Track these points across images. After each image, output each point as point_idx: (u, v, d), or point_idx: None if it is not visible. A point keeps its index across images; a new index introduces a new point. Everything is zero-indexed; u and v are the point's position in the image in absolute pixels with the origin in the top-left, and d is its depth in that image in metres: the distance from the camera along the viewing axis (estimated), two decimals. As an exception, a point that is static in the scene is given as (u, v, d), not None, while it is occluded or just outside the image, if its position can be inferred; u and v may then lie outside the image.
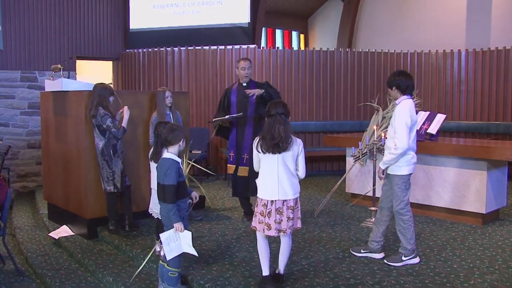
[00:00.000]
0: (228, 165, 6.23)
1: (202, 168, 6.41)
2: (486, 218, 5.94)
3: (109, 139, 5.65)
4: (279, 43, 16.75)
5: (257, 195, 4.18)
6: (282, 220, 4.07)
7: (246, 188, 6.07)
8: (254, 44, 10.31)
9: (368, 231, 5.35)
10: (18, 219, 7.51)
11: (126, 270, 4.93)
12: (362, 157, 6.10)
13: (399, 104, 4.61)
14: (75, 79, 8.85)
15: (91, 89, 5.76)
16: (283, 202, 4.07)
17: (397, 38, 12.45)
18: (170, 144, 4.13)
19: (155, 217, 4.96)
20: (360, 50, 10.11)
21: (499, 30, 10.46)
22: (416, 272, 4.44)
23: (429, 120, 6.42)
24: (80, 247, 5.69)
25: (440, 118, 6.43)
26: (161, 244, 4.15)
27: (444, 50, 9.88)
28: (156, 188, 4.39)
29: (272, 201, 4.08)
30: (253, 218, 4.21)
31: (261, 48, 9.97)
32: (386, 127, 5.72)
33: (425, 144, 6.16)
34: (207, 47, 9.70)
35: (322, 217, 6.36)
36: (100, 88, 5.70)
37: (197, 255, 4.20)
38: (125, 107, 5.75)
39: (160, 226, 4.45)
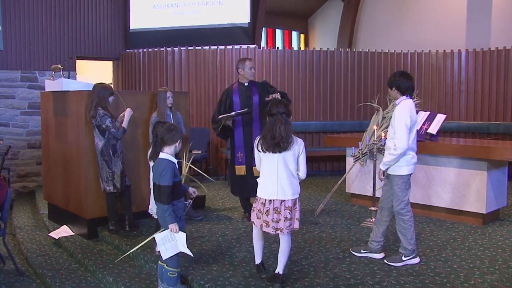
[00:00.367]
0: (237, 166, 6.14)
1: (200, 172, 6.47)
2: (486, 218, 5.94)
3: (109, 139, 5.65)
4: (279, 43, 16.76)
5: (257, 194, 4.20)
6: (279, 219, 4.08)
7: (245, 188, 6.07)
8: (254, 44, 10.32)
9: (368, 231, 5.35)
10: (18, 219, 7.51)
11: (126, 270, 4.94)
12: (362, 157, 6.09)
13: (399, 105, 4.61)
14: (75, 79, 8.86)
15: (91, 89, 5.76)
16: (281, 202, 4.08)
17: (397, 38, 12.45)
18: (166, 144, 4.13)
19: (155, 217, 4.97)
20: (360, 50, 10.11)
21: (499, 30, 10.46)
22: (416, 272, 4.44)
23: (429, 120, 6.42)
24: (80, 247, 5.69)
25: (440, 118, 6.43)
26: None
27: (444, 50, 9.88)
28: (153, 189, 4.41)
29: (270, 200, 4.09)
30: (251, 213, 4.25)
31: (261, 48, 9.98)
32: (386, 127, 5.72)
33: (425, 144, 6.16)
34: (207, 47, 9.70)
35: (322, 217, 6.36)
36: (99, 88, 5.69)
37: (192, 255, 4.21)
38: (128, 109, 5.75)
39: (159, 226, 4.45)
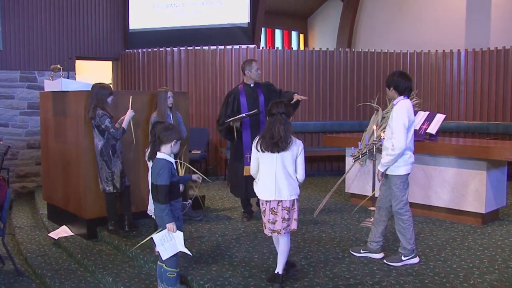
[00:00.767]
0: (246, 167, 6.11)
1: (198, 173, 6.48)
2: (486, 218, 5.94)
3: (108, 139, 5.65)
4: (278, 43, 16.76)
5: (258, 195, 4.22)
6: (276, 220, 4.10)
7: (246, 189, 6.07)
8: (253, 44, 10.32)
9: (368, 231, 5.35)
10: (18, 219, 7.51)
11: (125, 270, 4.93)
12: (361, 157, 6.09)
13: (396, 105, 4.61)
14: (75, 79, 8.85)
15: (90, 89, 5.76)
16: (278, 203, 4.09)
17: (397, 38, 12.45)
18: (162, 142, 4.14)
19: (154, 217, 4.97)
20: (360, 50, 10.11)
21: (499, 30, 10.46)
22: (415, 272, 4.44)
23: (429, 120, 6.42)
24: (79, 247, 5.69)
25: (439, 118, 6.44)
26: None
27: (443, 50, 9.88)
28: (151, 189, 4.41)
29: (267, 200, 4.11)
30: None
31: (261, 48, 9.98)
32: (386, 127, 5.71)
33: (425, 144, 6.17)
34: (206, 47, 9.70)
35: (322, 217, 6.36)
36: (98, 88, 5.69)
37: (191, 254, 4.21)
38: (130, 110, 5.75)
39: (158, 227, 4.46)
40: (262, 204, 4.16)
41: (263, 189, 4.13)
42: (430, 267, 4.54)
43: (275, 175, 4.08)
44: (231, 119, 5.98)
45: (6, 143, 9.03)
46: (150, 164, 4.85)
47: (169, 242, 4.09)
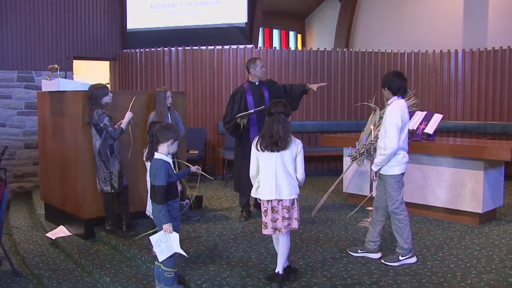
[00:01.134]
0: None
1: (205, 174, 6.49)
2: (483, 217, 5.95)
3: (106, 139, 5.64)
4: (276, 43, 16.76)
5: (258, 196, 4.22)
6: (277, 219, 4.11)
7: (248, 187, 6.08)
8: (251, 44, 10.32)
9: (365, 231, 5.35)
10: (15, 219, 7.50)
11: (123, 271, 4.93)
12: (359, 157, 6.09)
13: (390, 105, 4.62)
14: (72, 79, 8.84)
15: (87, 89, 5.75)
16: (278, 202, 4.11)
17: (394, 38, 12.45)
18: (159, 142, 4.14)
19: (152, 217, 4.97)
20: (357, 50, 10.12)
21: (496, 30, 10.47)
22: (413, 271, 4.45)
23: (426, 120, 6.43)
24: (77, 248, 5.68)
25: (437, 118, 6.44)
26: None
27: (441, 50, 9.89)
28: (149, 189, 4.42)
29: (268, 200, 4.13)
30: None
31: (258, 48, 9.99)
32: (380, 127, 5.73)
33: (422, 144, 6.18)
34: (204, 47, 9.69)
35: (319, 217, 6.36)
36: (93, 89, 5.67)
37: (186, 255, 4.20)
38: (129, 112, 5.75)
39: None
40: (263, 204, 4.16)
41: (264, 189, 4.14)
42: (427, 267, 4.55)
43: (275, 174, 4.09)
44: (239, 115, 6.03)
45: (3, 143, 9.02)
46: (148, 164, 4.86)
47: (165, 243, 4.09)
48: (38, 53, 9.63)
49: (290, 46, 16.92)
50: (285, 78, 9.70)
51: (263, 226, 4.19)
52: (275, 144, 4.06)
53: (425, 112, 6.60)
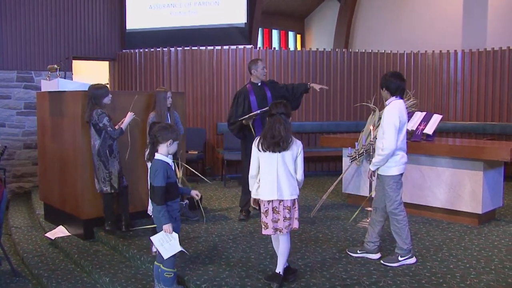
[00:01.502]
0: None
1: (196, 172, 6.50)
2: (482, 218, 5.95)
3: (105, 139, 5.64)
4: (275, 43, 16.76)
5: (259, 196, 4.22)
6: (278, 219, 4.11)
7: None
8: (250, 44, 10.32)
9: (365, 231, 5.35)
10: (14, 219, 7.49)
11: (122, 271, 4.93)
12: (358, 157, 6.10)
13: (388, 105, 4.62)
14: (72, 80, 8.85)
15: (87, 89, 5.75)
16: (280, 202, 4.11)
17: (394, 38, 12.46)
18: (159, 142, 4.14)
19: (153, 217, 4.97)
20: (357, 51, 10.13)
21: (495, 31, 10.48)
22: (412, 272, 4.45)
23: (426, 120, 6.43)
24: (76, 248, 5.68)
25: (436, 118, 6.45)
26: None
27: (440, 51, 9.90)
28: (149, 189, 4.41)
29: (269, 200, 4.12)
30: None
31: (258, 49, 9.99)
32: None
33: (421, 145, 6.18)
34: (203, 48, 9.69)
35: (319, 217, 6.36)
36: (94, 89, 5.67)
37: (188, 253, 4.21)
38: (130, 113, 5.75)
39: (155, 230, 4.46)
40: (264, 205, 4.16)
41: (265, 190, 4.14)
42: (427, 268, 4.55)
43: (277, 175, 4.10)
44: (244, 117, 6.04)
45: (3, 143, 9.01)
46: (149, 165, 4.86)
47: (168, 242, 4.09)
48: (38, 54, 9.63)
49: (289, 47, 16.93)
50: (284, 79, 9.69)
51: (263, 226, 4.19)
52: (277, 144, 4.07)
53: (424, 113, 6.60)
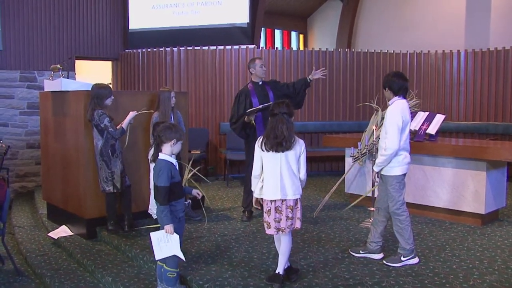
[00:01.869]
0: None
1: (202, 176, 6.52)
2: (485, 218, 5.94)
3: (107, 139, 5.64)
4: (278, 43, 16.76)
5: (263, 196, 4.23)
6: (281, 219, 4.11)
7: None
8: (253, 44, 10.32)
9: (367, 231, 5.35)
10: (17, 219, 7.51)
11: (125, 270, 4.93)
12: (361, 157, 6.10)
13: (391, 105, 4.61)
14: (74, 79, 8.84)
15: (90, 89, 5.75)
16: (282, 201, 4.12)
17: (397, 38, 12.45)
18: (162, 142, 4.14)
19: (154, 217, 4.98)
20: (359, 51, 10.12)
21: (498, 30, 10.47)
22: (415, 272, 4.44)
23: (429, 120, 6.42)
24: (79, 247, 5.69)
25: (439, 118, 6.44)
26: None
27: (443, 51, 9.88)
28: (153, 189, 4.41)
29: (272, 200, 4.13)
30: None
31: (260, 48, 9.99)
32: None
33: (424, 145, 6.17)
34: (206, 47, 9.70)
35: (321, 217, 6.36)
36: (97, 89, 5.68)
37: (184, 259, 4.17)
38: (132, 112, 5.76)
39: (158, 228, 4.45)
40: (266, 204, 4.17)
41: (268, 189, 4.14)
42: (429, 268, 4.54)
43: (280, 175, 4.10)
44: (248, 111, 6.03)
45: (6, 142, 9.03)
46: (152, 165, 4.87)
47: (165, 243, 4.08)
48: (41, 53, 9.64)
49: (292, 46, 16.92)
50: (287, 79, 9.69)
51: (266, 226, 4.19)
52: (279, 144, 4.07)
53: (427, 113, 6.59)
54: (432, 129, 6.35)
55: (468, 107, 9.64)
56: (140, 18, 10.66)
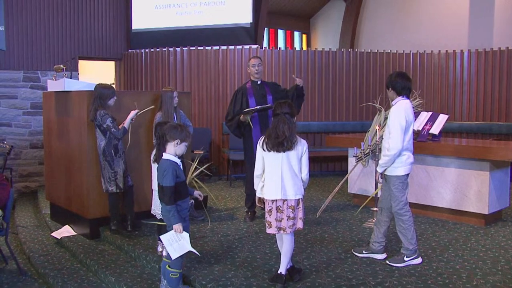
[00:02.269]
0: None
1: (207, 172, 6.51)
2: (489, 218, 5.93)
3: (110, 139, 5.65)
4: (281, 43, 16.76)
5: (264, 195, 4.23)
6: (282, 218, 4.12)
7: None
8: (256, 44, 10.32)
9: (370, 231, 5.35)
10: (21, 219, 7.52)
11: (128, 270, 4.94)
12: (364, 157, 6.09)
13: (395, 105, 4.61)
14: (78, 79, 8.86)
15: (93, 89, 5.76)
16: (283, 201, 4.12)
17: (400, 38, 12.44)
18: (167, 141, 4.13)
19: (158, 218, 4.98)
20: (362, 51, 10.11)
21: (502, 30, 10.45)
22: (418, 272, 4.43)
23: (432, 120, 6.41)
24: (82, 247, 5.70)
25: (442, 118, 6.43)
26: (163, 245, 4.15)
27: (446, 51, 9.87)
28: (157, 189, 4.40)
29: (273, 200, 4.13)
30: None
31: (263, 49, 9.98)
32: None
33: (428, 145, 6.16)
34: (209, 48, 9.70)
35: (324, 217, 6.36)
36: (101, 89, 5.69)
37: (198, 254, 4.20)
38: (134, 110, 5.76)
39: (161, 229, 4.46)
40: (268, 204, 4.17)
41: (269, 189, 4.15)
42: (432, 268, 4.54)
43: (281, 175, 4.10)
44: (245, 110, 6.02)
45: (9, 142, 9.04)
46: (154, 166, 4.87)
47: (177, 242, 4.08)
48: (44, 54, 9.66)
49: (295, 47, 16.92)
50: (290, 79, 9.69)
51: (267, 225, 4.20)
52: (281, 144, 4.07)
53: (430, 113, 6.58)
54: (435, 129, 6.34)
55: (471, 107, 9.62)
56: (143, 18, 10.67)
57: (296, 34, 17.28)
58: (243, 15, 10.49)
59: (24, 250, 6.19)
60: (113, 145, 5.67)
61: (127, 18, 10.68)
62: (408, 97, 4.65)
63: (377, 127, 6.01)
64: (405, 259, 4.61)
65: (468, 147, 5.94)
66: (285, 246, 4.19)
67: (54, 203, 6.91)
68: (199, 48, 9.73)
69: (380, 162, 4.66)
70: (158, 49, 9.88)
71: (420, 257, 4.68)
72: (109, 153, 5.66)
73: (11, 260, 5.65)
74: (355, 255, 4.88)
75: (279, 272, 4.19)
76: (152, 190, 5.15)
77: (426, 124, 6.39)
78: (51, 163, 6.84)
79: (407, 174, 4.64)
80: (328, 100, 9.91)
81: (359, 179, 6.93)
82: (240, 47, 9.76)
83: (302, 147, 4.15)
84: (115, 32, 10.54)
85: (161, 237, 4.16)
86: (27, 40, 9.49)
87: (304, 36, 17.42)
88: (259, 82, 6.30)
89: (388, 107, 6.35)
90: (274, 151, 4.11)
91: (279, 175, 4.10)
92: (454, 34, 11.13)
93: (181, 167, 4.23)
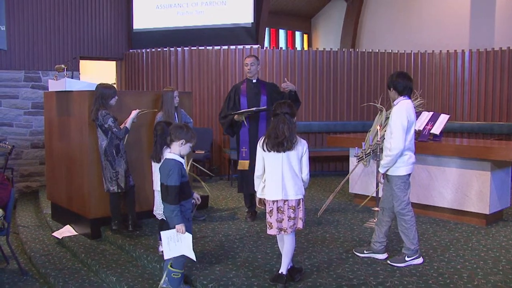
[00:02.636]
0: (241, 161, 6.22)
1: (203, 169, 6.48)
2: (490, 218, 5.93)
3: (112, 139, 5.66)
4: (282, 43, 16.76)
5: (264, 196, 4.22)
6: (283, 219, 4.11)
7: (249, 183, 6.06)
8: (257, 44, 10.32)
9: (371, 231, 5.34)
10: (22, 218, 7.53)
11: (129, 270, 4.94)
12: (365, 157, 6.08)
13: (396, 105, 4.61)
14: (79, 79, 8.86)
15: (95, 89, 5.77)
16: (284, 202, 4.12)
17: (401, 38, 12.43)
18: (172, 140, 4.13)
19: (159, 218, 4.98)
20: (364, 51, 10.10)
21: (503, 30, 10.44)
22: (419, 272, 4.43)
23: (433, 120, 6.41)
24: (83, 247, 5.70)
25: (443, 118, 6.42)
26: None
27: (447, 51, 9.86)
28: (159, 190, 4.39)
29: (274, 200, 4.13)
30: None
31: (265, 49, 9.98)
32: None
33: (429, 145, 6.16)
34: (210, 47, 9.70)
35: (325, 217, 6.35)
36: (102, 88, 5.69)
37: (195, 260, 4.16)
38: (135, 110, 5.77)
39: (163, 227, 4.45)
40: (268, 204, 4.17)
41: (270, 189, 4.14)
42: (434, 268, 4.54)
43: (282, 175, 4.10)
44: (240, 111, 6.01)
45: (10, 142, 9.05)
46: (154, 164, 4.87)
47: (175, 242, 4.06)
48: (45, 53, 9.67)
49: (296, 46, 16.92)
50: (291, 78, 9.69)
51: (268, 226, 4.20)
52: (280, 144, 4.07)
53: (431, 113, 6.58)
54: (437, 129, 6.34)
55: (472, 107, 9.61)
56: (145, 18, 10.67)
57: (297, 34, 17.28)
58: (244, 15, 10.50)
59: (25, 250, 6.19)
60: (114, 145, 5.67)
61: (128, 18, 10.68)
62: (409, 97, 4.65)
63: (378, 127, 6.01)
64: (406, 259, 4.60)
65: (469, 147, 5.94)
66: (286, 246, 4.19)
67: (55, 203, 6.91)
68: (200, 48, 9.73)
69: (382, 162, 4.66)
70: (159, 49, 9.88)
71: (421, 257, 4.67)
72: (111, 153, 5.66)
73: (12, 260, 5.65)
74: (356, 255, 4.88)
75: (280, 272, 4.19)
76: (154, 190, 5.14)
77: (427, 124, 6.39)
78: (52, 163, 6.85)
79: (409, 174, 4.64)
80: (329, 100, 9.91)
81: (360, 179, 6.93)
82: (241, 47, 9.76)
83: (302, 147, 4.15)
84: (116, 32, 10.54)
85: (161, 233, 4.14)
86: (28, 40, 9.49)
87: (305, 36, 17.42)
88: (254, 81, 6.27)
89: (389, 107, 6.34)
90: (274, 151, 4.11)
91: (279, 175, 4.10)
92: (455, 34, 11.12)
93: (185, 167, 4.22)
